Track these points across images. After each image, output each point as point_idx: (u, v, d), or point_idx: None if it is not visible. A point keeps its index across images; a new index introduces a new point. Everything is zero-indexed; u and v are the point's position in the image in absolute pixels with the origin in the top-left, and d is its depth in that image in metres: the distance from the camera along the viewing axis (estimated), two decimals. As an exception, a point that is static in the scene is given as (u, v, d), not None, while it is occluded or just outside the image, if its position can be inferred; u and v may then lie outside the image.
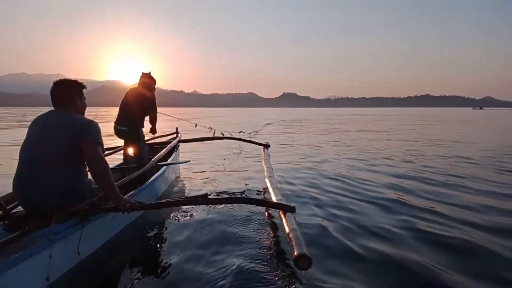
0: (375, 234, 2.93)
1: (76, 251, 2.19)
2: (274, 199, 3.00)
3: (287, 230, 2.23)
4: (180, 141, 6.05)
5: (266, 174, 4.28)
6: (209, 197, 2.53)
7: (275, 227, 3.02)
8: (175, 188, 4.67)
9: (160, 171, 3.95)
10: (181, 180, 5.14)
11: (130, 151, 4.37)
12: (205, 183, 4.96)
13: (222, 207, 3.56)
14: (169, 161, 4.69)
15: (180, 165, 5.51)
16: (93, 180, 2.42)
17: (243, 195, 4.24)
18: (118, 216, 2.65)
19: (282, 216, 2.50)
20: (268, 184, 3.73)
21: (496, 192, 4.35)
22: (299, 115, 42.98)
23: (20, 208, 2.34)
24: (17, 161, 2.25)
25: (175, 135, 6.60)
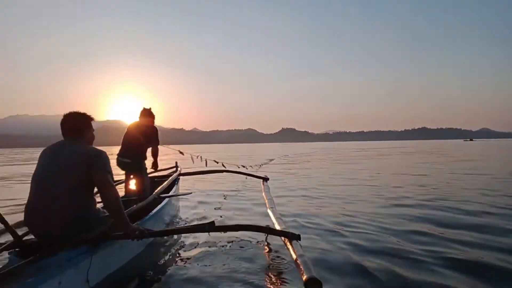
0: (382, 255, 3.10)
1: (85, 279, 2.23)
2: (278, 227, 3.08)
3: (294, 256, 2.29)
4: (180, 174, 6.17)
5: (267, 205, 4.36)
6: (216, 224, 2.60)
7: (281, 254, 3.13)
8: (178, 219, 4.77)
9: (163, 203, 4.03)
10: (183, 212, 5.24)
11: (132, 183, 4.49)
12: (206, 215, 5.05)
13: (228, 236, 3.68)
14: (171, 193, 4.76)
15: (181, 197, 5.59)
16: (101, 210, 2.52)
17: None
18: (126, 244, 2.74)
19: (288, 243, 2.56)
20: (271, 214, 3.80)
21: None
22: (299, 150, 43.20)
23: (31, 236, 2.39)
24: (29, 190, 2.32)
25: (174, 169, 6.72)
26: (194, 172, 7.20)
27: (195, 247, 3.40)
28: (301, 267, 2.11)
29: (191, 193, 4.95)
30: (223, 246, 3.41)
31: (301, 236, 2.69)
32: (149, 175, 5.13)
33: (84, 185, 2.31)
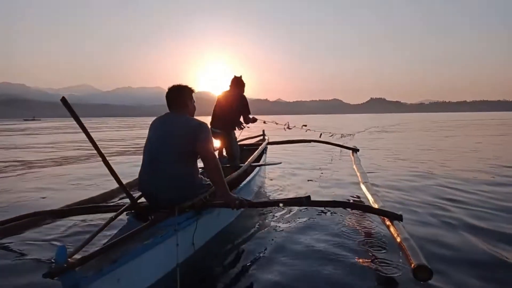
0: (500, 241, 2.70)
1: (191, 242, 2.38)
2: (376, 205, 2.86)
3: (398, 239, 2.10)
4: (269, 143, 6.17)
5: (360, 180, 4.09)
6: (312, 199, 2.49)
7: (381, 234, 2.85)
8: (267, 189, 4.78)
9: (254, 172, 4.07)
10: (270, 182, 5.25)
11: (223, 151, 4.63)
12: (293, 185, 5.00)
13: (322, 210, 3.54)
14: (261, 162, 4.81)
15: (268, 166, 5.61)
16: (203, 177, 2.62)
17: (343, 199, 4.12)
18: (224, 212, 2.84)
19: (390, 224, 2.34)
20: (365, 190, 3.55)
21: None
22: (390, 121, 40.43)
23: (143, 199, 2.59)
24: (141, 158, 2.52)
25: (262, 137, 6.77)
26: (282, 141, 7.16)
27: (288, 219, 3.34)
28: (407, 252, 1.91)
29: (281, 163, 4.92)
30: (316, 221, 3.27)
31: (402, 215, 2.44)
32: (239, 143, 5.23)
33: (189, 154, 2.44)
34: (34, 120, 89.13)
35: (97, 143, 1.91)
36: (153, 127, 2.58)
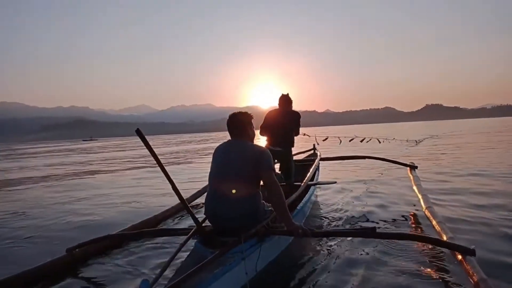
0: None
1: (255, 268, 2.42)
2: (444, 237, 2.70)
3: (472, 279, 1.98)
4: (321, 159, 6.05)
5: (422, 204, 3.88)
6: (377, 230, 2.41)
7: (454, 272, 2.55)
8: (322, 210, 4.67)
9: (310, 192, 4.03)
10: (324, 201, 5.13)
11: (277, 169, 4.65)
12: (347, 206, 4.80)
13: (387, 242, 3.21)
14: (315, 181, 4.74)
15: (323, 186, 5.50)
16: (265, 203, 2.68)
17: (411, 230, 3.76)
18: (282, 238, 2.86)
19: (462, 259, 2.20)
20: (430, 217, 3.36)
21: None
22: (449, 129, 37.81)
23: (207, 222, 2.71)
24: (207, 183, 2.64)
25: (312, 152, 6.67)
26: (334, 158, 6.98)
27: (347, 246, 3.19)
28: None
29: (336, 182, 4.80)
30: (377, 251, 3.05)
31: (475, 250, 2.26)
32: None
33: (253, 181, 2.51)
34: (92, 140, 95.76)
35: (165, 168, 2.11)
36: (216, 154, 2.69)
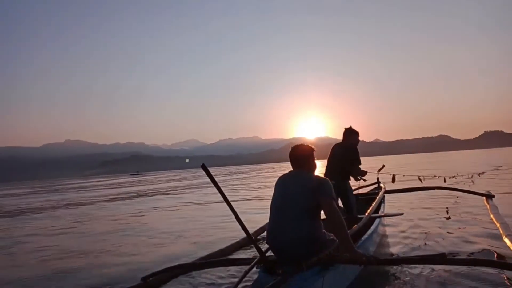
0: None
1: None
2: None
3: None
4: (386, 191, 5.89)
5: (502, 232, 3.62)
6: (447, 256, 2.32)
7: None
8: (388, 241, 4.50)
9: (375, 224, 3.93)
10: (391, 233, 4.92)
11: (339, 203, 4.59)
12: (416, 237, 4.57)
13: (460, 270, 3.09)
14: (380, 213, 4.61)
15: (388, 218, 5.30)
16: (327, 232, 2.66)
17: (487, 257, 3.56)
18: (349, 267, 2.77)
19: None
20: (510, 245, 3.13)
21: None
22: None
23: (270, 252, 2.74)
24: (269, 213, 2.70)
25: (376, 185, 6.50)
26: (400, 190, 6.70)
27: (417, 277, 3.06)
28: None
29: (403, 213, 4.62)
30: (450, 279, 2.92)
31: None
32: (354, 193, 5.16)
33: (313, 210, 2.53)
34: (138, 174, 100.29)
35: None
36: (278, 185, 2.75)
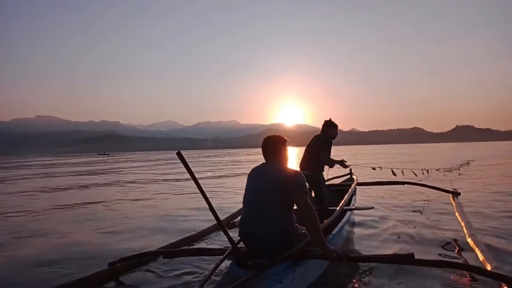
0: None
1: None
2: (488, 266, 2.59)
3: None
4: (358, 183, 5.96)
5: (466, 231, 3.74)
6: (415, 257, 2.36)
7: None
8: (356, 235, 4.54)
9: (345, 217, 3.97)
10: (359, 226, 5.00)
11: (312, 193, 4.61)
12: (384, 232, 4.63)
13: (424, 269, 3.09)
14: (351, 206, 4.68)
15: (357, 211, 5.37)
16: (299, 226, 2.65)
17: (452, 258, 3.56)
18: (319, 262, 2.81)
19: None
20: (473, 246, 3.23)
21: None
22: (482, 152, 36.24)
23: (242, 244, 2.71)
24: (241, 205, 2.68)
25: (349, 176, 6.57)
26: (371, 183, 6.84)
27: (383, 274, 3.08)
28: None
29: (373, 207, 4.66)
30: (414, 280, 2.93)
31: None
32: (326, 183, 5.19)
33: (287, 204, 2.52)
34: (105, 154, 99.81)
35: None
36: (251, 178, 2.71)
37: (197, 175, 2.23)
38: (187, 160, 2.17)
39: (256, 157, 38.89)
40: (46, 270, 3.54)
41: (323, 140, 4.55)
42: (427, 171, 13.02)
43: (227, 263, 2.62)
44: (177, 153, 2.16)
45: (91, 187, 12.78)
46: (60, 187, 12.95)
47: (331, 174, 6.19)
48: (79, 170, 26.13)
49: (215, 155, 55.22)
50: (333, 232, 3.44)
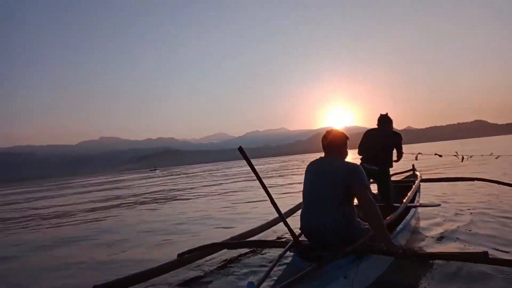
0: None
1: (351, 286, 2.36)
2: None
3: None
4: (422, 180, 5.67)
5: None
6: (489, 256, 2.22)
7: None
8: (422, 233, 4.32)
9: (410, 214, 3.86)
10: (424, 224, 4.74)
11: (374, 189, 4.50)
12: (453, 231, 4.32)
13: (501, 270, 2.84)
14: (416, 203, 4.51)
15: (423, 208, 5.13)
16: (361, 221, 2.64)
17: None
18: (382, 257, 2.74)
19: None
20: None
21: None
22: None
23: (303, 237, 2.76)
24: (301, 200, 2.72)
25: (411, 173, 6.32)
26: (437, 179, 6.39)
27: (453, 273, 2.90)
28: None
29: (439, 205, 4.42)
30: (489, 281, 2.71)
31: None
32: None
33: (347, 198, 2.52)
34: (156, 170, 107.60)
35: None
36: (310, 171, 2.73)
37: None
38: (252, 161, 2.24)
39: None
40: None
41: (396, 137, 4.45)
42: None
43: (289, 255, 2.65)
44: (238, 149, 2.22)
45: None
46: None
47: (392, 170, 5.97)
48: (154, 189, 27.05)
49: (268, 163, 54.71)
50: (397, 229, 3.36)
